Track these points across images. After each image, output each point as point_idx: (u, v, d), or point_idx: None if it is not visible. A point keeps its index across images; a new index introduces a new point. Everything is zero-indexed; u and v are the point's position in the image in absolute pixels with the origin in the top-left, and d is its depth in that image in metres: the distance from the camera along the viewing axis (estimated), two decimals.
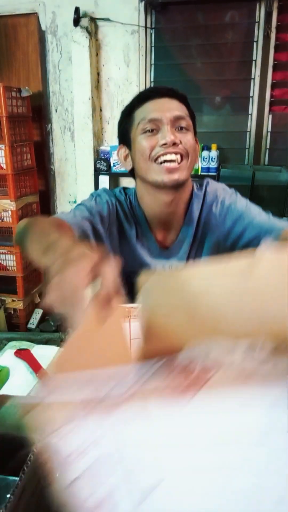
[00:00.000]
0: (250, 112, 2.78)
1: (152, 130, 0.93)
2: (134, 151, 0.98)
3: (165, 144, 0.91)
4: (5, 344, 1.19)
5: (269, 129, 2.77)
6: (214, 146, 2.65)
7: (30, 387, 0.98)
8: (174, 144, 0.91)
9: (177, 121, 0.94)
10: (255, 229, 0.99)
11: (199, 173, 2.68)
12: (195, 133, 1.01)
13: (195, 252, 1.07)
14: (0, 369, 1.01)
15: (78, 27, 2.67)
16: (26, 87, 2.79)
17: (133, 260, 1.05)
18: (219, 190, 1.08)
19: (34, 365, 1.05)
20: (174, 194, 0.97)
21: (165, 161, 0.92)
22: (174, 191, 0.96)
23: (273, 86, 2.69)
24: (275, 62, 2.65)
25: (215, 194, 1.06)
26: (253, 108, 2.76)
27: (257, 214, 1.02)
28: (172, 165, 0.92)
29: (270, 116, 2.75)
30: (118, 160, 1.06)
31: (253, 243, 0.99)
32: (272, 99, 2.71)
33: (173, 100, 0.95)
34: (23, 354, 1.10)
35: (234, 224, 1.01)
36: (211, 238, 1.07)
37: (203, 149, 2.66)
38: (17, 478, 0.47)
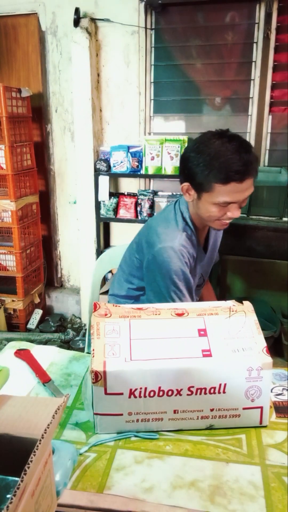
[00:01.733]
0: (250, 113, 2.78)
1: (225, 206, 1.16)
2: (204, 207, 1.19)
3: (232, 217, 1.18)
4: (5, 344, 1.19)
5: (269, 130, 2.78)
6: None
7: (30, 387, 0.99)
8: None
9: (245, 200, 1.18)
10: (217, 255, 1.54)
11: None
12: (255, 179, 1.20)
13: (213, 246, 1.46)
14: (0, 369, 1.01)
15: (78, 28, 2.67)
16: (26, 87, 2.79)
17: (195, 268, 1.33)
18: None
19: (34, 365, 1.05)
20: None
21: (225, 222, 1.21)
22: None
23: (273, 87, 2.69)
24: (275, 63, 2.65)
25: None
26: (253, 109, 2.76)
27: None
28: (227, 223, 1.22)
29: (270, 117, 2.75)
30: (182, 190, 1.26)
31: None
32: (272, 100, 2.71)
33: (249, 180, 1.14)
34: (23, 354, 1.11)
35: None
36: (216, 240, 1.48)
37: None
38: (17, 478, 0.47)
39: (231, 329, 0.87)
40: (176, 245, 1.22)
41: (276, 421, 0.88)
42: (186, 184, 1.21)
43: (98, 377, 0.79)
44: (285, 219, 2.48)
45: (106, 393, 0.80)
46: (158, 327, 0.87)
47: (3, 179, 2.74)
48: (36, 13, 2.84)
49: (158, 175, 2.79)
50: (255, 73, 2.70)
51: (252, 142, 2.80)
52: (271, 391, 0.97)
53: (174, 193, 2.87)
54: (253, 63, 2.69)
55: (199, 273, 1.40)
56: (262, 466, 0.76)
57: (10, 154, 2.63)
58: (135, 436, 0.83)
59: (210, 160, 1.11)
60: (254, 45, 2.66)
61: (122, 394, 0.80)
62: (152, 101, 2.89)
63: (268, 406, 0.85)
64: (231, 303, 0.94)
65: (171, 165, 2.71)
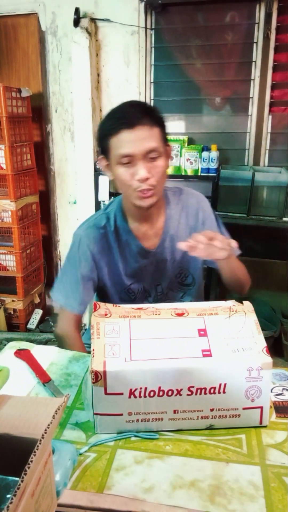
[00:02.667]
0: (250, 113, 2.78)
1: (127, 162, 1.08)
2: (114, 174, 1.14)
3: (139, 179, 1.08)
4: (5, 344, 1.19)
5: (269, 130, 2.78)
6: (214, 147, 2.65)
7: (30, 387, 0.99)
8: (147, 178, 1.08)
9: (148, 153, 1.07)
10: None
11: (199, 174, 2.68)
12: (166, 141, 1.15)
13: (178, 251, 1.25)
14: (0, 369, 1.01)
15: (78, 28, 2.67)
16: (26, 87, 2.79)
17: (127, 266, 1.26)
18: (199, 198, 1.31)
19: (34, 365, 1.05)
20: (150, 209, 1.18)
21: (141, 190, 1.10)
22: (150, 208, 1.17)
23: (273, 87, 2.69)
24: (275, 63, 2.65)
25: (196, 200, 1.30)
26: (253, 109, 2.76)
27: (223, 232, 1.30)
28: (146, 193, 1.11)
29: (270, 117, 2.75)
30: (101, 168, 1.22)
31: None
32: (272, 100, 2.71)
33: (144, 128, 1.06)
34: (23, 354, 1.11)
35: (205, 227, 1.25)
36: (187, 237, 1.25)
37: (203, 150, 2.66)
38: (17, 478, 0.47)
39: (231, 329, 0.87)
40: (78, 231, 1.27)
41: (276, 421, 0.88)
42: (100, 157, 1.18)
43: (98, 377, 0.79)
44: (285, 219, 2.48)
45: (106, 393, 0.80)
46: (158, 327, 0.87)
47: (3, 179, 2.74)
48: (36, 13, 2.84)
49: None
50: (255, 73, 2.70)
51: (252, 142, 2.81)
52: (271, 391, 0.97)
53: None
54: (253, 63, 2.70)
55: (141, 276, 1.28)
56: (262, 466, 0.76)
57: (10, 154, 2.63)
58: (135, 436, 0.83)
59: (103, 120, 1.15)
60: (254, 45, 2.67)
61: (122, 394, 0.80)
62: (152, 101, 2.89)
63: (268, 406, 0.85)
64: (231, 303, 0.94)
65: (171, 165, 2.71)
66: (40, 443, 0.50)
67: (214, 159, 2.64)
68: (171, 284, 1.31)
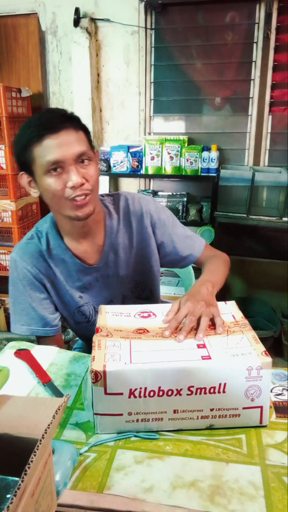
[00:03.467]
0: (250, 113, 2.78)
1: (56, 169, 0.98)
2: (42, 187, 1.02)
3: (73, 186, 0.98)
4: (5, 344, 1.19)
5: (269, 130, 2.78)
6: (214, 147, 2.65)
7: (30, 387, 0.99)
8: (82, 184, 0.99)
9: (79, 157, 0.99)
10: (177, 254, 1.21)
11: (199, 174, 2.68)
12: (92, 147, 1.07)
13: (125, 259, 1.18)
14: (0, 369, 1.01)
15: (78, 28, 2.67)
16: (26, 87, 2.79)
17: (71, 284, 1.17)
18: (142, 201, 1.19)
19: (34, 365, 1.05)
20: (87, 222, 1.08)
21: (74, 198, 1.00)
22: (87, 220, 1.07)
23: (273, 87, 2.69)
24: (275, 63, 2.65)
25: (139, 205, 1.18)
26: (253, 109, 2.76)
27: (179, 237, 1.21)
28: (82, 201, 1.01)
29: (270, 117, 2.75)
30: (22, 185, 1.09)
31: (166, 259, 1.22)
32: (272, 100, 2.72)
33: (70, 132, 0.98)
34: (23, 354, 1.11)
35: (162, 243, 1.20)
36: (136, 247, 1.19)
37: (202, 150, 2.67)
38: (17, 478, 0.47)
39: (230, 342, 0.88)
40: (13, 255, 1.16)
41: (276, 421, 0.88)
42: (20, 174, 1.06)
43: (98, 377, 0.79)
44: (285, 219, 2.48)
45: (106, 393, 0.80)
46: (158, 344, 0.88)
47: (3, 179, 2.74)
48: (36, 13, 2.85)
49: (158, 175, 2.79)
50: (255, 73, 2.70)
51: (252, 142, 2.81)
52: (271, 391, 0.97)
53: (174, 193, 2.87)
54: (253, 63, 2.70)
55: (88, 295, 1.19)
56: (262, 466, 0.76)
57: (10, 154, 2.63)
58: (135, 436, 0.83)
59: (19, 131, 1.02)
60: (254, 45, 2.67)
61: (122, 394, 0.80)
62: (152, 101, 2.89)
63: (268, 405, 0.85)
64: (228, 307, 0.95)
65: (171, 165, 2.71)
66: (40, 443, 0.50)
67: (214, 159, 2.64)
68: (126, 300, 1.21)
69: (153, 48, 2.81)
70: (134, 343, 0.88)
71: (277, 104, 2.73)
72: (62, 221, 1.10)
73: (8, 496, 0.52)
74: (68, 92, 2.91)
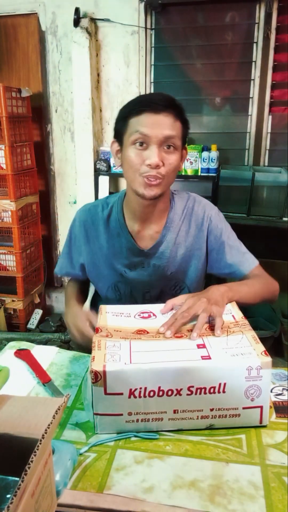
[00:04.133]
0: (250, 113, 2.78)
1: (142, 144, 1.03)
2: (124, 157, 1.08)
3: (149, 164, 1.02)
4: (5, 344, 1.19)
5: (269, 130, 2.78)
6: (214, 147, 2.65)
7: (30, 387, 0.99)
8: (157, 166, 1.03)
9: (166, 141, 1.03)
10: (225, 266, 1.21)
11: (199, 174, 2.68)
12: (184, 142, 1.10)
13: (174, 254, 1.19)
14: (0, 369, 1.01)
15: (78, 28, 2.67)
16: (26, 87, 2.79)
17: (116, 259, 1.21)
18: (207, 206, 1.22)
19: (34, 365, 1.05)
20: (152, 202, 1.12)
21: (147, 176, 1.05)
22: (153, 201, 1.11)
23: (273, 87, 2.69)
24: (275, 63, 2.65)
25: (203, 209, 1.21)
26: (253, 109, 2.76)
27: (232, 248, 1.22)
28: (153, 181, 1.05)
29: (270, 117, 2.75)
30: (111, 152, 1.17)
31: (213, 266, 1.23)
32: (272, 100, 2.72)
33: (168, 117, 1.03)
34: (23, 354, 1.11)
35: (213, 249, 1.21)
36: (188, 247, 1.20)
37: (203, 150, 2.66)
38: (17, 478, 0.47)
39: (229, 342, 0.88)
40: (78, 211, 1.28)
41: (276, 421, 0.88)
42: (112, 141, 1.13)
43: (98, 377, 0.79)
44: (285, 219, 2.48)
45: (106, 393, 0.80)
46: (158, 344, 0.88)
47: (3, 179, 2.74)
48: (36, 13, 2.85)
49: None
50: (255, 73, 2.70)
51: (252, 142, 2.81)
52: (271, 391, 0.97)
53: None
54: (253, 63, 2.70)
55: (129, 276, 1.20)
56: (262, 466, 0.76)
57: (10, 154, 2.63)
58: (135, 436, 0.83)
59: (127, 103, 1.09)
60: (254, 45, 2.67)
61: (122, 394, 0.80)
62: None
63: (268, 405, 0.85)
64: (228, 319, 0.96)
65: None
66: (40, 443, 0.50)
67: (214, 159, 2.64)
68: (162, 295, 1.22)
69: (153, 48, 2.81)
70: (134, 343, 0.88)
71: (277, 104, 2.73)
72: (131, 197, 1.14)
73: (8, 496, 0.52)
74: (68, 92, 2.91)
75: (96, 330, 0.93)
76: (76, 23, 2.67)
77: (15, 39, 2.94)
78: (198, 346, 0.86)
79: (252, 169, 2.63)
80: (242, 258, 1.22)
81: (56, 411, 0.55)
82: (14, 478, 0.54)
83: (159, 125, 1.01)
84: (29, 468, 0.46)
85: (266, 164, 2.82)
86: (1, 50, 2.96)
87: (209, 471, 0.75)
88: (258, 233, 2.54)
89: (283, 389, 0.98)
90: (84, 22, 2.68)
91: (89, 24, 2.69)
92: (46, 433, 0.52)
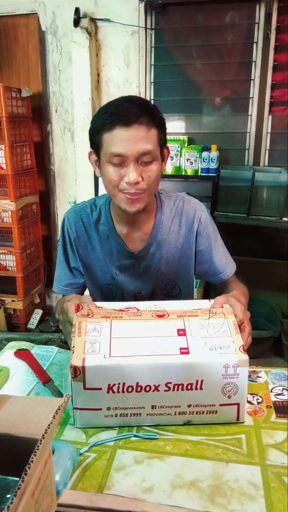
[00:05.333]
0: (250, 113, 2.78)
1: (118, 163, 1.01)
2: (103, 172, 1.07)
3: (128, 182, 1.02)
4: (5, 344, 1.19)
5: (269, 130, 2.78)
6: (214, 147, 2.65)
7: (30, 387, 0.99)
8: (137, 182, 1.01)
9: (142, 156, 1.01)
10: (211, 266, 1.22)
11: (199, 174, 2.68)
12: (164, 144, 1.08)
13: (165, 255, 1.19)
14: (0, 369, 1.01)
15: (78, 28, 2.67)
16: (26, 87, 2.79)
17: (108, 259, 1.20)
18: (197, 206, 1.21)
19: (34, 365, 1.05)
20: (136, 214, 1.10)
21: (128, 193, 1.04)
22: (136, 215, 1.10)
23: (273, 87, 2.69)
24: (275, 63, 2.65)
25: (193, 209, 1.19)
26: (253, 109, 2.76)
27: (218, 251, 1.22)
28: (134, 196, 1.04)
29: (270, 117, 2.75)
30: (89, 161, 1.16)
31: (200, 268, 1.23)
32: (272, 100, 2.72)
33: (141, 128, 0.99)
34: (23, 354, 1.11)
35: (200, 251, 1.21)
36: (178, 247, 1.20)
37: (203, 150, 2.66)
38: (17, 478, 0.47)
39: (210, 329, 0.88)
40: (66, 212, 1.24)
41: (276, 421, 0.88)
42: (90, 151, 1.11)
43: (77, 372, 0.80)
44: (285, 219, 2.48)
45: (85, 388, 0.81)
46: (139, 327, 0.89)
47: (3, 179, 2.74)
48: (36, 13, 2.85)
49: None
50: (255, 73, 2.70)
51: (252, 142, 2.81)
52: (271, 391, 0.97)
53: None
54: (253, 63, 2.70)
55: (121, 277, 1.21)
56: (262, 466, 0.76)
57: (10, 154, 2.62)
58: (135, 436, 0.83)
59: (98, 112, 1.05)
60: (254, 45, 2.67)
61: (100, 389, 0.81)
62: (152, 101, 2.89)
63: (245, 402, 0.86)
64: (212, 303, 0.96)
65: (171, 165, 2.71)
66: (40, 443, 0.50)
67: (214, 159, 2.64)
68: (154, 295, 1.23)
69: (153, 48, 2.81)
70: (115, 325, 0.88)
71: (277, 104, 2.73)
72: (114, 205, 1.15)
73: (8, 496, 0.52)
74: (68, 92, 2.91)
75: (77, 307, 0.92)
76: (76, 23, 2.67)
77: (15, 39, 2.94)
78: (179, 332, 0.87)
79: (252, 169, 2.63)
80: (226, 262, 1.24)
81: (56, 411, 0.55)
82: (14, 478, 0.54)
83: (132, 141, 0.98)
84: (29, 468, 0.46)
85: (266, 164, 2.82)
86: (1, 50, 2.96)
87: (209, 471, 0.75)
88: (258, 233, 2.54)
89: (283, 389, 0.98)
90: (84, 22, 2.68)
91: (89, 24, 2.69)
92: (46, 433, 0.52)
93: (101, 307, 0.93)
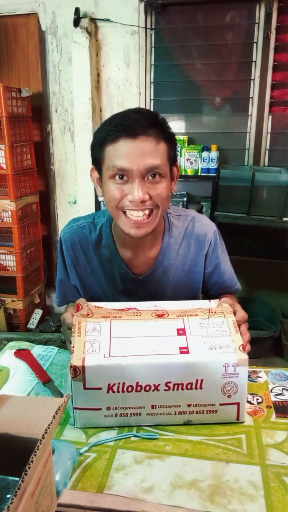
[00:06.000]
0: (250, 113, 2.78)
1: (122, 177, 0.91)
2: (104, 190, 0.97)
3: (132, 201, 0.91)
4: (5, 344, 1.19)
5: (269, 130, 2.78)
6: (214, 147, 2.65)
7: (30, 387, 0.99)
8: (143, 201, 0.91)
9: (149, 171, 0.90)
10: (214, 286, 1.16)
11: (199, 174, 2.68)
12: (173, 161, 0.98)
13: (172, 279, 1.11)
14: (0, 369, 1.01)
15: (78, 28, 2.67)
16: (26, 87, 2.79)
17: (110, 284, 1.12)
18: (208, 227, 1.11)
19: (34, 365, 1.05)
20: (141, 239, 1.01)
21: (132, 215, 0.93)
22: (141, 239, 1.00)
23: (273, 87, 2.69)
24: (275, 63, 2.65)
25: (204, 231, 1.10)
26: (253, 109, 2.76)
27: (226, 270, 1.16)
28: (140, 219, 0.93)
29: (270, 117, 2.75)
30: (91, 179, 1.05)
31: (211, 290, 1.17)
32: (272, 100, 2.71)
33: (148, 140, 0.89)
34: (23, 354, 1.11)
35: (211, 271, 1.14)
36: (186, 271, 1.12)
37: (203, 150, 2.67)
38: (17, 478, 0.47)
39: (209, 329, 0.88)
40: (63, 232, 1.13)
41: (276, 421, 0.88)
42: (92, 168, 1.02)
43: (77, 372, 0.80)
44: (285, 219, 2.48)
45: (85, 388, 0.81)
46: (138, 327, 0.89)
47: (3, 179, 2.74)
48: (36, 13, 2.84)
49: None
50: (255, 73, 2.70)
51: (252, 142, 2.81)
52: (271, 391, 0.97)
53: (174, 193, 2.87)
54: (253, 63, 2.70)
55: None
56: (262, 466, 0.76)
57: (10, 154, 2.62)
58: (135, 436, 0.83)
59: (101, 125, 0.96)
60: (254, 45, 2.67)
61: (100, 389, 0.81)
62: (152, 101, 2.89)
63: (245, 402, 0.86)
64: (212, 303, 0.95)
65: None
66: (40, 443, 0.50)
67: (214, 159, 2.64)
68: None
69: (153, 48, 2.81)
70: (115, 325, 0.88)
71: (277, 104, 2.73)
72: (116, 228, 1.03)
73: (8, 496, 0.52)
74: (68, 92, 2.91)
75: (76, 307, 0.91)
76: (76, 23, 2.67)
77: (15, 39, 2.94)
78: (178, 332, 0.87)
79: (252, 169, 2.63)
80: (231, 282, 1.19)
81: (56, 411, 0.55)
82: (14, 478, 0.54)
83: (138, 154, 0.88)
84: (29, 468, 0.46)
85: (266, 164, 2.82)
86: (1, 50, 2.96)
87: (209, 471, 0.75)
88: (258, 233, 2.54)
89: (283, 389, 0.98)
90: (84, 22, 2.68)
91: (89, 24, 2.69)
92: (46, 433, 0.52)
93: (101, 307, 0.93)
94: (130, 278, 1.10)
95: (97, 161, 0.97)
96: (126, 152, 0.89)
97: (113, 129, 0.90)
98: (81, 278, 1.13)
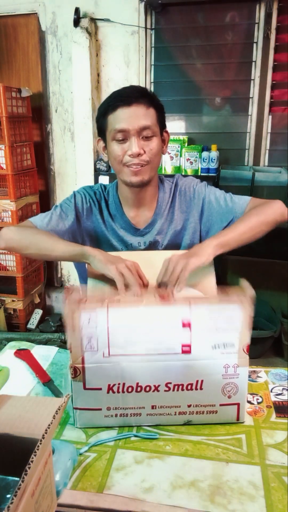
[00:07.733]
0: (250, 113, 2.78)
1: (122, 139, 1.12)
2: (109, 152, 1.17)
3: (131, 154, 1.11)
4: (5, 344, 1.19)
5: (269, 130, 2.78)
6: (214, 147, 2.65)
7: (30, 387, 0.99)
8: (139, 154, 1.11)
9: (142, 130, 1.11)
10: (221, 217, 1.23)
11: (199, 174, 2.68)
12: (163, 126, 1.18)
13: (167, 230, 1.25)
14: (0, 369, 1.01)
15: (78, 28, 2.67)
16: (26, 87, 2.79)
17: (114, 237, 1.26)
18: (193, 181, 1.28)
19: (34, 365, 1.05)
20: (141, 189, 1.19)
21: (131, 165, 1.13)
22: (141, 188, 1.18)
23: (273, 87, 2.69)
24: (275, 63, 2.65)
25: (189, 184, 1.27)
26: (253, 109, 2.76)
27: (220, 200, 1.25)
28: (137, 168, 1.13)
29: (270, 117, 2.75)
30: (98, 149, 1.23)
31: (214, 227, 1.24)
32: (272, 100, 2.71)
33: (140, 106, 1.10)
34: (23, 354, 1.11)
35: (203, 212, 1.25)
36: (179, 222, 1.26)
37: (203, 150, 2.66)
38: (17, 478, 0.47)
39: (219, 321, 0.82)
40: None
41: (276, 421, 0.88)
42: (97, 139, 1.22)
43: (77, 372, 0.80)
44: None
45: (85, 388, 0.81)
46: (139, 314, 0.83)
47: (3, 179, 2.74)
48: (36, 13, 2.84)
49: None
50: (255, 73, 2.70)
51: (252, 142, 2.81)
52: (271, 391, 0.97)
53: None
54: (253, 63, 2.70)
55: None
56: (262, 466, 0.76)
57: (10, 154, 2.62)
58: (135, 436, 0.83)
59: (103, 101, 1.16)
60: (254, 45, 2.67)
61: (100, 389, 0.81)
62: None
63: (245, 402, 0.86)
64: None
65: (171, 165, 2.71)
66: (40, 443, 0.50)
67: (214, 159, 2.64)
68: None
69: (153, 48, 2.81)
70: (112, 314, 0.81)
71: (277, 104, 2.73)
72: (121, 187, 1.23)
73: (8, 496, 0.52)
74: (68, 92, 2.91)
75: (65, 291, 0.85)
76: (76, 23, 2.67)
77: (15, 39, 2.94)
78: (183, 325, 0.80)
79: (252, 169, 2.63)
80: (233, 203, 1.24)
81: (56, 411, 0.55)
82: (14, 478, 0.54)
83: (133, 117, 1.09)
84: (29, 468, 0.46)
85: (266, 164, 2.82)
86: (1, 50, 2.96)
87: (209, 471, 0.75)
88: None
89: (283, 389, 0.98)
90: (84, 22, 2.68)
91: (89, 24, 2.69)
92: (46, 433, 0.52)
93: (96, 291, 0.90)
94: (133, 231, 1.25)
95: (102, 130, 1.17)
96: (124, 117, 1.10)
97: (112, 101, 1.12)
98: (94, 225, 1.26)
